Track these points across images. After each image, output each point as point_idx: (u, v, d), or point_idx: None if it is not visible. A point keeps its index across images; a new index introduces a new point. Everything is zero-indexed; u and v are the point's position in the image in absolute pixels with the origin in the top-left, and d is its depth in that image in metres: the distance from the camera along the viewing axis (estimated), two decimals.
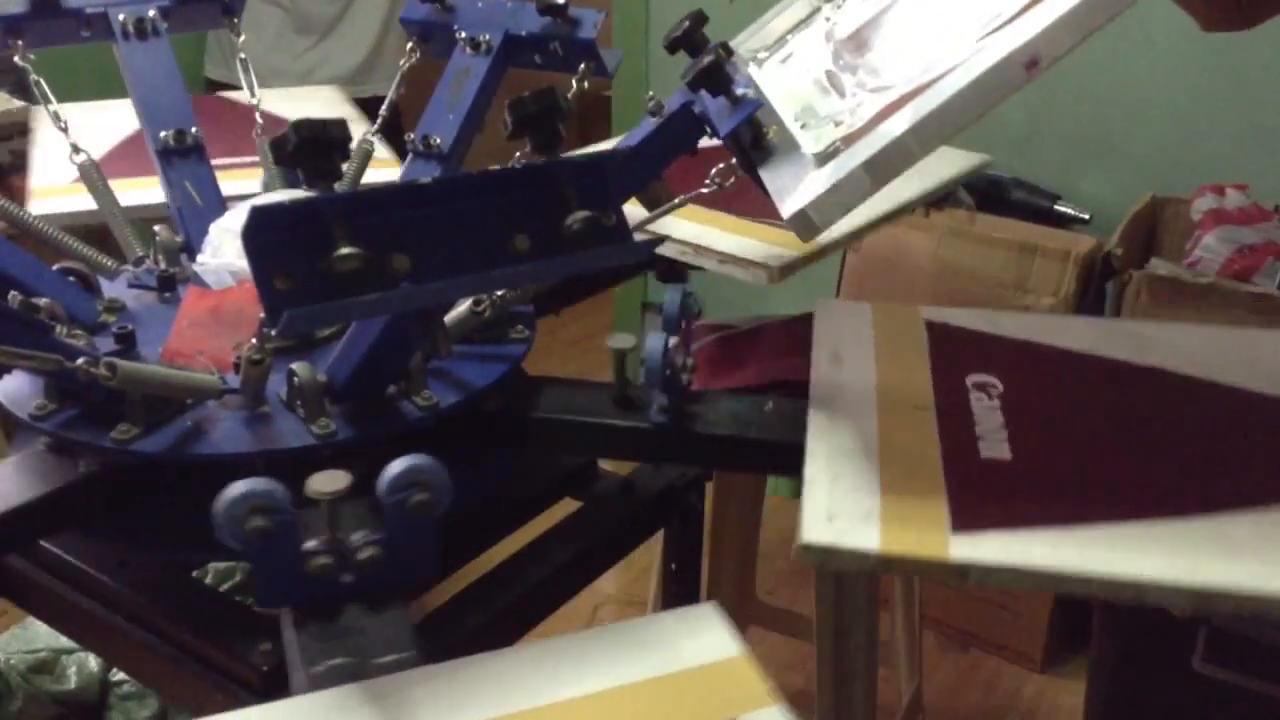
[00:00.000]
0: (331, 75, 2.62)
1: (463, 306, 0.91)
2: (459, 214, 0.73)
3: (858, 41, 0.97)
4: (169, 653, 0.86)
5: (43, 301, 0.90)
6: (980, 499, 0.76)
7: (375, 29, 2.64)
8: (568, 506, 0.98)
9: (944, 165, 1.32)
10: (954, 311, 1.01)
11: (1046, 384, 0.91)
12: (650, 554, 1.19)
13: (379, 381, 0.86)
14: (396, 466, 0.68)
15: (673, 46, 0.98)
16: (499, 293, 0.93)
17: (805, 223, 0.78)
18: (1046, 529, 0.72)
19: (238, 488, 0.65)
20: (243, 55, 1.23)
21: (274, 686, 0.80)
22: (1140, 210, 2.13)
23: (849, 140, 0.81)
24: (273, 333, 0.69)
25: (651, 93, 1.02)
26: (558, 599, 0.93)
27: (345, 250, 0.68)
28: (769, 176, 0.84)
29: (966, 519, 0.73)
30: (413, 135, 1.13)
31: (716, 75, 0.89)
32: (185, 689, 0.87)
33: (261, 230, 0.67)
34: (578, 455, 1.03)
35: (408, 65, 1.21)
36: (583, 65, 1.12)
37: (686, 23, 0.97)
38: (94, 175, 1.13)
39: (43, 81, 1.14)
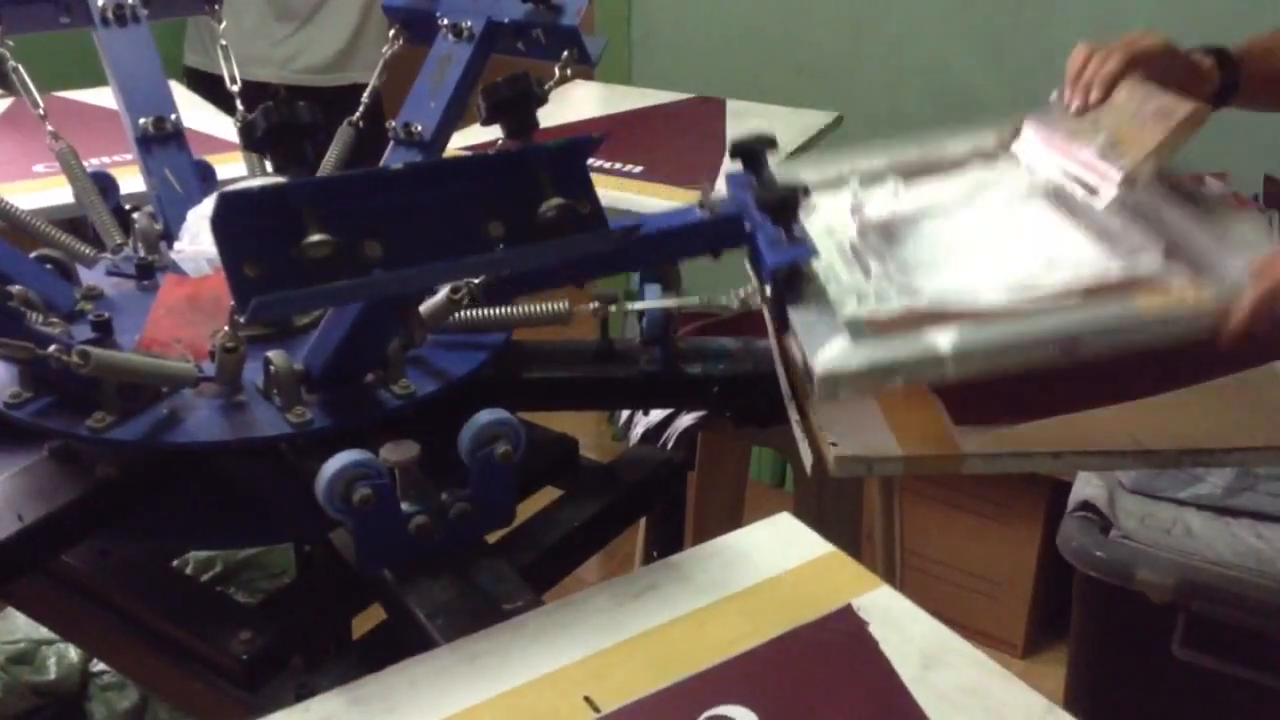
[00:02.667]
0: (311, 63, 2.60)
1: (440, 294, 0.91)
2: (432, 201, 0.73)
3: (887, 230, 1.03)
4: (149, 643, 0.86)
5: (16, 289, 0.90)
6: (967, 402, 0.90)
7: (355, 16, 2.63)
8: (550, 495, 0.98)
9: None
10: None
11: None
12: (632, 541, 1.19)
13: (355, 370, 0.85)
14: (478, 422, 0.75)
15: (736, 153, 1.01)
16: (475, 280, 0.93)
17: (832, 388, 0.82)
18: (1034, 420, 0.88)
19: (336, 461, 0.71)
20: (224, 42, 1.22)
21: (254, 676, 0.80)
22: None
23: (874, 326, 0.86)
24: (242, 320, 0.69)
25: (705, 185, 1.04)
26: (539, 587, 0.93)
27: (316, 237, 0.67)
28: (798, 319, 0.89)
29: (963, 418, 0.89)
30: (394, 123, 1.13)
31: (790, 212, 0.92)
32: (166, 679, 0.87)
33: (230, 217, 0.67)
34: (573, 409, 1.07)
35: (390, 52, 1.21)
36: (566, 52, 1.12)
37: (755, 141, 1.01)
38: (72, 162, 1.13)
39: (21, 68, 1.13)
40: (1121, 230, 0.96)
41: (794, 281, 0.92)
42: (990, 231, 1.04)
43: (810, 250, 0.90)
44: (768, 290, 0.92)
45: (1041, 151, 1.05)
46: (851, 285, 0.95)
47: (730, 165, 1.01)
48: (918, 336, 0.83)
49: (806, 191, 0.93)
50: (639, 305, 0.98)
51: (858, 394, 0.83)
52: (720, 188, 1.04)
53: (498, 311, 0.93)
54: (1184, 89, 1.03)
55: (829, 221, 1.05)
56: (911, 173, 1.15)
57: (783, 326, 0.92)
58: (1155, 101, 0.96)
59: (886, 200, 1.11)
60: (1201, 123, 0.91)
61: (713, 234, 0.99)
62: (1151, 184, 0.97)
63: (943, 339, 0.82)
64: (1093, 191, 0.96)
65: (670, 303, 0.99)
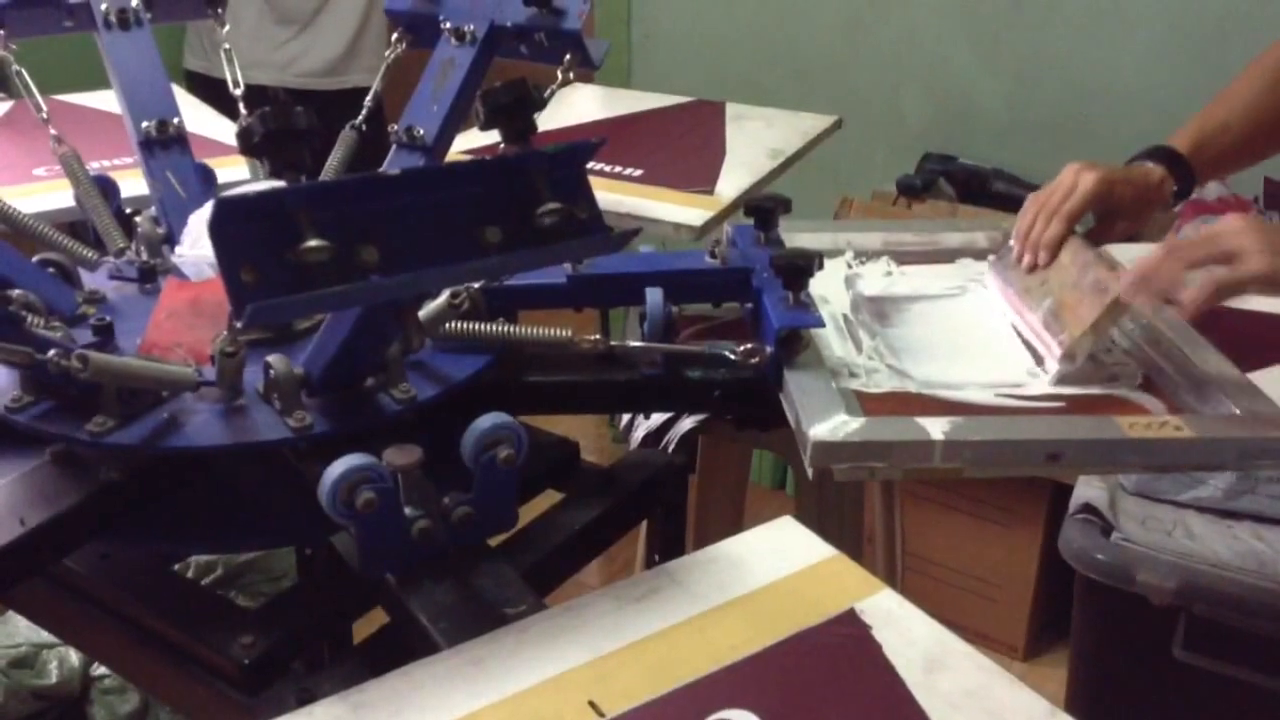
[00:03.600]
0: (311, 67, 2.61)
1: (440, 299, 0.91)
2: (428, 206, 0.73)
3: (879, 309, 1.09)
4: (150, 647, 0.86)
5: (17, 293, 0.89)
6: None
7: (355, 20, 2.63)
8: (550, 498, 0.98)
9: None
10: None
11: None
12: (632, 545, 1.19)
13: (355, 374, 0.85)
14: (480, 426, 0.75)
15: (750, 211, 1.07)
16: (474, 285, 0.93)
17: (824, 457, 0.84)
18: None
19: (340, 465, 0.71)
20: (226, 46, 1.22)
21: (255, 680, 0.80)
22: None
23: (867, 404, 0.90)
24: (240, 325, 0.69)
25: (718, 240, 1.08)
26: (541, 590, 0.93)
27: (312, 242, 0.67)
28: (795, 383, 0.91)
29: None
30: (396, 126, 1.13)
31: (801, 277, 0.94)
32: (166, 683, 0.87)
33: (227, 222, 0.67)
34: (575, 412, 1.07)
35: (393, 56, 1.21)
36: (568, 56, 1.12)
37: (768, 200, 1.07)
38: (75, 166, 1.13)
39: (24, 71, 1.13)
40: (1104, 352, 1.00)
41: (792, 344, 0.94)
42: (979, 327, 1.08)
43: (819, 320, 0.93)
44: (767, 349, 0.94)
45: (1000, 302, 1.10)
46: (844, 359, 0.98)
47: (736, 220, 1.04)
48: (910, 420, 0.85)
49: (821, 260, 0.96)
50: (636, 345, 0.99)
51: (848, 473, 0.84)
52: (720, 192, 1.06)
53: (498, 330, 0.93)
54: (1142, 207, 1.09)
55: (822, 291, 1.09)
56: (905, 256, 1.20)
57: (778, 386, 0.94)
58: (1092, 273, 0.99)
59: (880, 278, 1.15)
60: (1127, 308, 0.96)
61: (720, 284, 1.04)
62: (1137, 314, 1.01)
63: (934, 427, 0.84)
64: (1039, 361, 0.99)
65: (672, 348, 1.00)
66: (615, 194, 1.50)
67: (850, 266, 1.16)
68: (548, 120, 1.00)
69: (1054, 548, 1.63)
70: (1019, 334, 1.04)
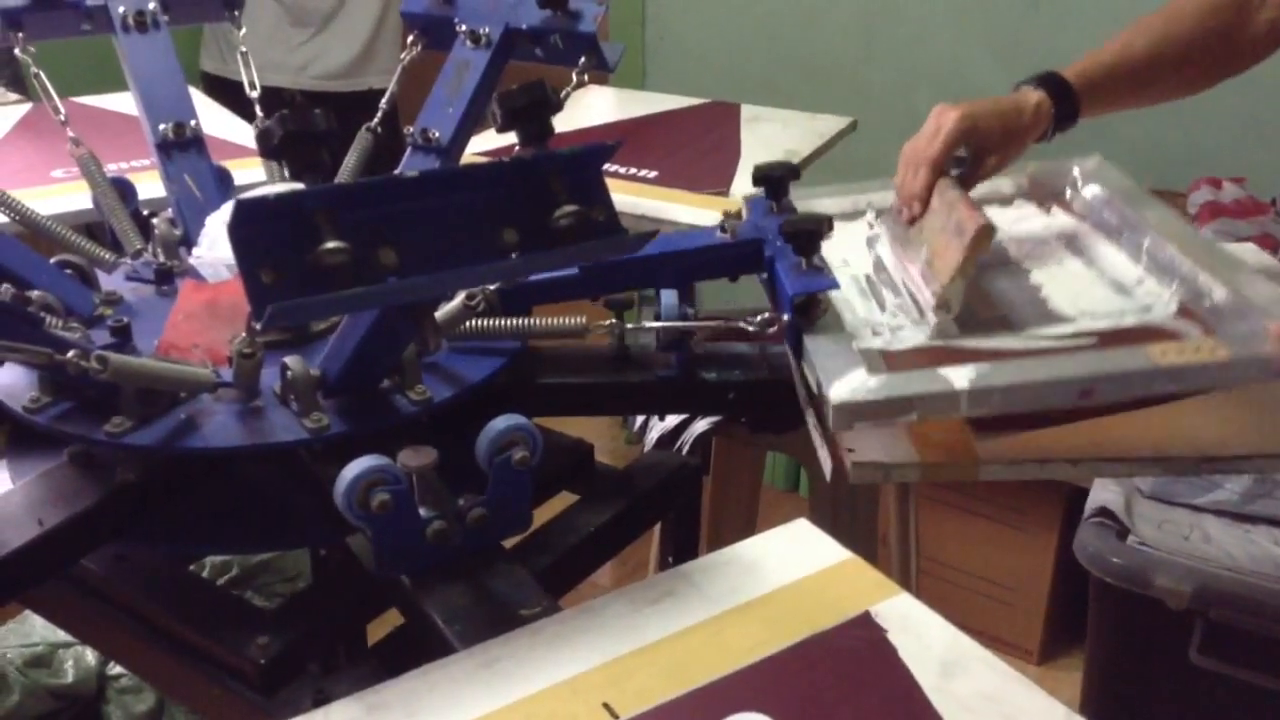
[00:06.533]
0: (327, 69, 2.62)
1: (456, 301, 0.91)
2: (446, 208, 0.73)
3: (902, 265, 1.04)
4: (166, 646, 0.86)
5: (36, 294, 0.90)
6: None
7: (370, 23, 2.64)
8: (565, 500, 0.98)
9: None
10: None
11: None
12: (645, 546, 1.19)
13: (371, 375, 0.86)
14: (495, 428, 0.75)
15: (759, 179, 1.04)
16: (491, 287, 0.93)
17: (846, 418, 0.82)
18: (1052, 427, 0.88)
19: (355, 466, 0.71)
20: (243, 49, 1.23)
21: (271, 680, 0.81)
22: None
23: (890, 359, 0.88)
24: (258, 327, 0.70)
25: (727, 211, 1.06)
26: (555, 592, 0.93)
27: (331, 244, 0.68)
28: (814, 346, 0.89)
29: (981, 424, 0.89)
30: (411, 128, 1.13)
31: (812, 241, 0.93)
32: (183, 683, 0.87)
33: (247, 224, 0.67)
34: (590, 414, 1.07)
35: (408, 58, 1.21)
36: (583, 58, 1.12)
37: (778, 168, 1.04)
38: (92, 168, 1.13)
39: (42, 74, 1.14)
40: (1137, 281, 0.98)
41: (810, 310, 0.93)
42: (1006, 269, 1.05)
43: (833, 282, 0.92)
44: (784, 317, 0.93)
45: (892, 261, 1.07)
46: (867, 318, 0.97)
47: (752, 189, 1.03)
48: (934, 372, 0.83)
49: (830, 223, 0.94)
50: (652, 325, 0.99)
51: (872, 425, 0.84)
52: (736, 194, 1.05)
53: (514, 323, 0.93)
54: (1011, 137, 1.08)
55: (845, 253, 1.07)
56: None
57: (798, 354, 0.92)
58: (955, 215, 0.98)
59: (901, 233, 1.11)
60: (992, 235, 0.94)
61: (733, 258, 1.01)
62: (1172, 238, 0.99)
63: (959, 376, 0.82)
64: (922, 313, 0.97)
65: (687, 324, 1.00)
66: (631, 195, 1.50)
67: (871, 227, 1.14)
68: (562, 122, 1.00)
69: (1069, 551, 1.63)
70: (906, 290, 1.01)
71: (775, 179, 1.04)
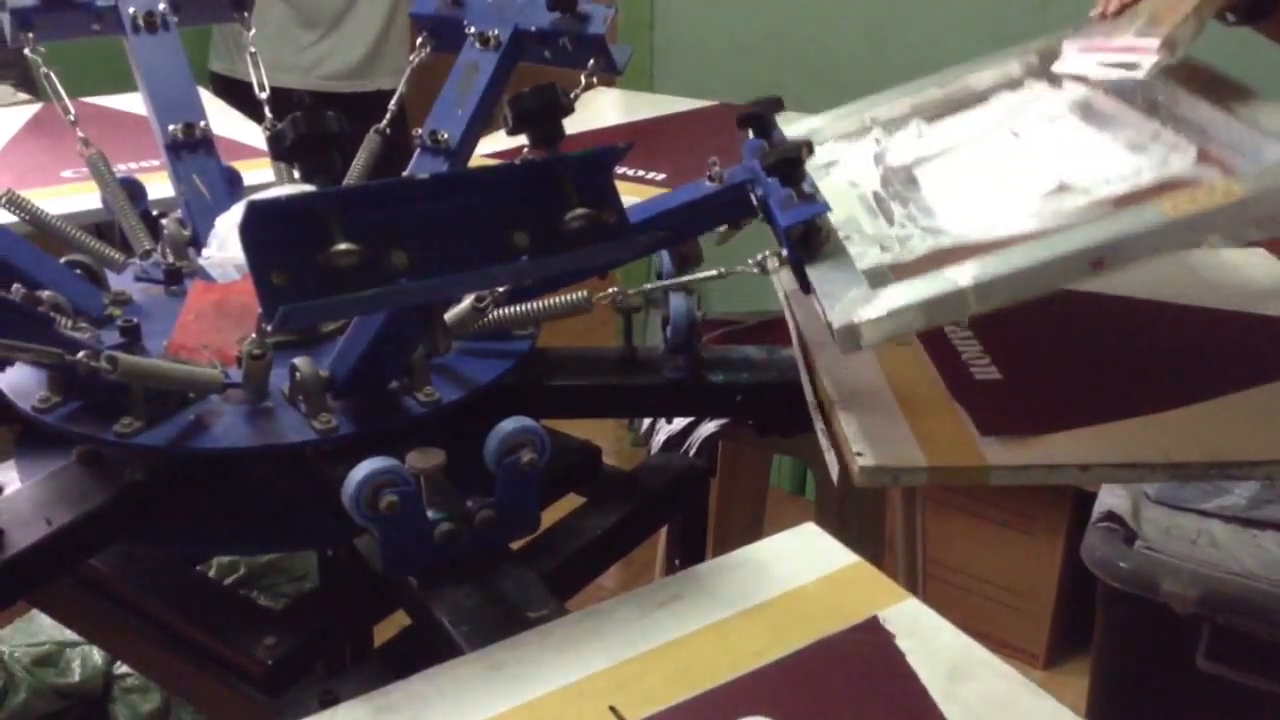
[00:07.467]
0: (335, 70, 2.62)
1: (465, 303, 0.91)
2: (457, 210, 0.73)
3: (909, 175, 1.03)
4: (173, 646, 0.86)
5: (45, 294, 0.90)
6: (993, 412, 0.89)
7: (379, 24, 2.65)
8: (572, 502, 0.98)
9: None
10: None
11: (1008, 313, 1.00)
12: (652, 549, 1.18)
13: (380, 377, 0.86)
14: (504, 430, 0.75)
15: (743, 122, 1.01)
16: (500, 289, 0.93)
17: (851, 338, 0.81)
18: (1061, 431, 0.87)
19: (363, 468, 0.71)
20: (253, 49, 1.23)
21: (278, 681, 0.81)
22: None
23: (899, 271, 0.86)
24: (269, 328, 0.70)
25: (715, 159, 1.03)
26: (561, 594, 0.93)
27: (342, 246, 0.68)
28: (816, 276, 0.87)
29: (989, 428, 0.88)
30: (420, 130, 1.13)
31: (795, 170, 0.91)
32: (189, 682, 0.87)
33: (258, 225, 0.67)
34: (597, 416, 1.07)
35: (417, 60, 1.21)
36: (592, 61, 1.12)
37: (762, 106, 1.02)
38: (102, 168, 1.14)
39: (53, 75, 1.14)
40: (1153, 137, 0.95)
41: (811, 240, 0.91)
42: (1018, 154, 1.02)
43: (823, 206, 0.89)
44: (783, 252, 0.91)
45: (1079, 58, 1.03)
46: (875, 235, 0.94)
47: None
48: (938, 275, 0.81)
49: (810, 148, 0.92)
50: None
51: (880, 338, 0.80)
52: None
53: (518, 307, 0.93)
54: None
55: (852, 175, 1.04)
56: (935, 112, 1.14)
57: (804, 287, 0.90)
58: None
59: (910, 144, 1.09)
60: None
61: (723, 203, 0.99)
62: (1185, 81, 0.95)
63: (962, 274, 0.80)
64: (1132, 68, 0.93)
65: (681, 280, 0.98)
66: (639, 198, 1.50)
67: (878, 143, 1.11)
68: (570, 125, 1.00)
69: (1076, 556, 1.62)
70: (1101, 73, 0.97)
71: (758, 116, 1.01)
